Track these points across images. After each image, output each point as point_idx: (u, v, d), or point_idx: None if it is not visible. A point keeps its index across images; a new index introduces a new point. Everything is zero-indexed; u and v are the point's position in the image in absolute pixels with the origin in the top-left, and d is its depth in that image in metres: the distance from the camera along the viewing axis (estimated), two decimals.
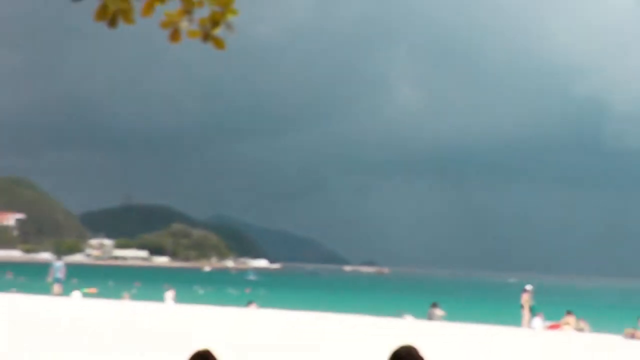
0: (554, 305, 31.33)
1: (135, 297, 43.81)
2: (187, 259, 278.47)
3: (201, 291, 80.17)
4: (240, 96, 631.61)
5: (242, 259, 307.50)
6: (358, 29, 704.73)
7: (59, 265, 35.68)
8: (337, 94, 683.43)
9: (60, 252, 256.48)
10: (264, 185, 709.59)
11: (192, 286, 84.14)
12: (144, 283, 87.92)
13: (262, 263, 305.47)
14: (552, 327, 28.65)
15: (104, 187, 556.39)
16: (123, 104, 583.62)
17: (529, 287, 30.05)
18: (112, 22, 5.05)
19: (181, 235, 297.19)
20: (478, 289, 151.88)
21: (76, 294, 35.00)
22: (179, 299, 39.21)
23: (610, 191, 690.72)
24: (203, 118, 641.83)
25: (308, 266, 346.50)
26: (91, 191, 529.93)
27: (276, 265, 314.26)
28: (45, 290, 36.61)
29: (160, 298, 40.57)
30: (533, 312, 29.18)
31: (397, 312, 33.15)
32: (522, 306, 29.41)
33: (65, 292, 36.82)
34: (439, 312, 30.98)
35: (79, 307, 27.27)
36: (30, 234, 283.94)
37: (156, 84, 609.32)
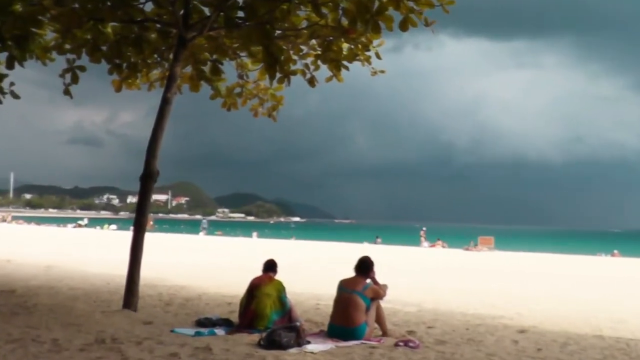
0: (432, 235, 30.63)
1: (237, 235, 42.82)
2: (263, 217, 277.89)
3: (269, 231, 78.30)
4: (285, 143, 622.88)
5: (287, 217, 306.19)
6: (337, 110, 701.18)
7: (204, 221, 35.26)
8: (330, 142, 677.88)
9: (204, 215, 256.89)
10: (297, 182, 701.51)
11: (264, 230, 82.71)
12: (242, 229, 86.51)
13: (297, 219, 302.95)
14: (431, 246, 28.10)
15: (225, 184, 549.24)
16: (233, 145, 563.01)
17: (424, 228, 30.12)
18: (228, 109, 5.89)
19: (260, 207, 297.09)
20: (400, 230, 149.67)
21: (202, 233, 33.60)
22: (260, 236, 38.45)
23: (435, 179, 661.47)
24: (270, 152, 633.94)
25: (317, 220, 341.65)
26: (219, 186, 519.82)
27: (303, 220, 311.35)
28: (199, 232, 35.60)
29: (249, 235, 39.87)
30: (428, 240, 28.86)
31: (360, 241, 32.48)
32: (420, 237, 28.92)
33: (208, 233, 36.13)
34: (379, 240, 30.66)
35: (210, 241, 26.47)
36: (191, 208, 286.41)
37: (248, 138, 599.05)
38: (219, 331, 3.95)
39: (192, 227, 68.59)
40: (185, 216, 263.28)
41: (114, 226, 38.99)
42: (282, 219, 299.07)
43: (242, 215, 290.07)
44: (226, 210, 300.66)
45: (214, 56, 5.40)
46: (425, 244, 28.21)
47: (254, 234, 37.29)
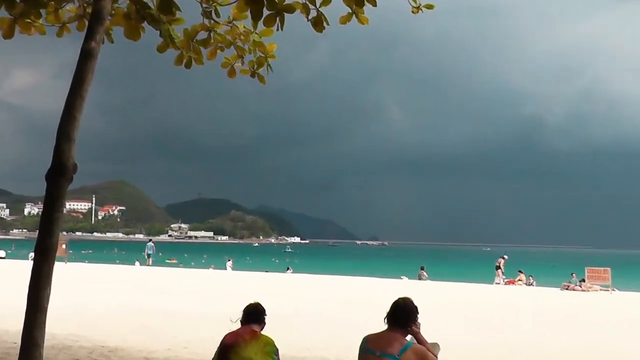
0: (509, 267, 30.37)
1: (202, 265, 43.46)
2: (241, 237, 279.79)
3: (251, 260, 80.00)
4: (279, 121, 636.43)
5: (282, 237, 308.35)
6: (359, 71, 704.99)
7: (150, 244, 35.56)
8: (347, 119, 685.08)
9: (150, 233, 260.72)
10: (296, 182, 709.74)
11: (245, 257, 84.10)
12: (210, 255, 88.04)
13: (295, 239, 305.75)
14: (508, 282, 27.78)
15: (183, 185, 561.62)
16: (198, 126, 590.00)
17: (506, 256, 29.39)
18: (188, 65, 5.43)
19: (237, 220, 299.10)
20: (456, 255, 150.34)
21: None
22: (235, 266, 38.83)
23: (547, 184, 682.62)
24: (254, 136, 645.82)
25: (328, 241, 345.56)
26: (173, 189, 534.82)
27: (306, 241, 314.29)
28: (143, 261, 36.47)
29: (221, 265, 40.27)
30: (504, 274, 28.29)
31: (396, 275, 32.53)
32: (498, 267, 28.41)
33: (156, 262, 36.72)
34: (425, 274, 30.57)
35: (158, 274, 26.81)
36: (129, 221, 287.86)
37: (221, 112, 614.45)
38: None
39: (132, 252, 71.48)
40: (119, 236, 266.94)
41: (1, 252, 39.29)
42: (272, 240, 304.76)
43: (210, 234, 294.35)
44: (184, 226, 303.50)
45: None
46: (500, 278, 27.86)
47: (228, 263, 37.78)
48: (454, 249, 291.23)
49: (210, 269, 37.42)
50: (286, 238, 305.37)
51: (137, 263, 39.66)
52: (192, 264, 60.63)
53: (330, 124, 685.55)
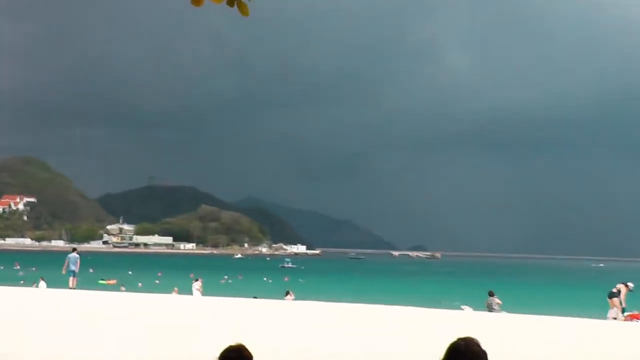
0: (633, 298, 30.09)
1: (157, 289, 43.88)
2: (216, 245, 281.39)
3: (231, 281, 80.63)
4: (271, 68, 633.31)
5: (277, 244, 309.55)
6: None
7: (73, 257, 35.50)
8: (377, 63, 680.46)
9: (75, 239, 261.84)
10: (299, 164, 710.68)
11: (221, 275, 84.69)
12: (168, 272, 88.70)
13: (299, 248, 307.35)
14: (631, 317, 27.57)
15: (124, 167, 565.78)
16: (147, 79, 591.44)
17: (631, 284, 28.82)
18: None
19: (209, 218, 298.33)
20: (541, 273, 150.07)
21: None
22: (206, 289, 39.00)
23: None
24: (233, 93, 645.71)
25: (350, 251, 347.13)
26: (110, 172, 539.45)
27: (315, 251, 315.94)
28: (61, 282, 36.70)
29: (186, 288, 40.48)
30: (623, 311, 27.91)
31: (453, 305, 32.62)
32: (613, 295, 27.96)
33: (83, 284, 36.94)
34: (497, 301, 30.47)
35: (90, 301, 27.00)
36: (42, 220, 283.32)
37: (183, 57, 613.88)
38: None
39: (46, 267, 72.20)
40: (25, 242, 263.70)
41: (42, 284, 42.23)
42: (263, 250, 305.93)
43: (167, 240, 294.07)
44: (128, 227, 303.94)
45: None
46: (614, 312, 27.54)
47: (195, 285, 38.26)
48: (542, 263, 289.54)
49: (174, 294, 37.72)
50: (285, 247, 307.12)
51: (41, 283, 39.90)
52: (140, 285, 61.19)
53: (348, 73, 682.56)
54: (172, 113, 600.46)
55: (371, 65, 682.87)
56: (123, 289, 50.53)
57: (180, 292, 39.74)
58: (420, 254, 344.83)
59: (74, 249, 37.71)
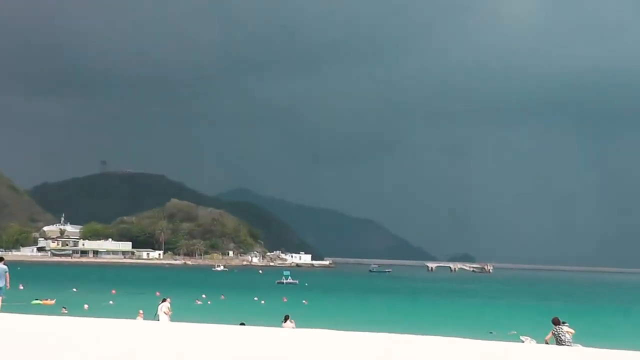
0: None
1: (108, 313, 43.91)
2: (191, 253, 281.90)
3: (210, 302, 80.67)
4: (269, 21, 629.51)
5: (274, 253, 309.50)
6: None
7: (0, 269, 35.44)
8: (407, 14, 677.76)
9: (1, 245, 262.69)
10: (304, 145, 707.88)
11: (197, 294, 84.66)
12: (125, 289, 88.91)
13: (302, 258, 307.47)
14: None
15: (68, 149, 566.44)
16: (100, 38, 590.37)
17: None
18: None
19: (183, 217, 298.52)
20: (624, 292, 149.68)
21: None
22: (177, 313, 39.02)
23: None
24: (216, 52, 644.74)
25: (371, 262, 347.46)
26: (49, 156, 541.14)
27: (324, 262, 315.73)
28: None
29: (152, 312, 40.55)
30: None
31: (509, 335, 32.71)
32: None
33: (10, 305, 36.94)
34: (566, 330, 30.61)
35: (20, 329, 26.96)
36: None
37: (149, 9, 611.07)
38: None
39: None
40: None
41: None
42: (255, 259, 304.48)
43: (125, 246, 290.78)
44: (72, 229, 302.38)
45: None
46: None
47: (162, 305, 38.51)
48: (624, 279, 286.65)
49: (138, 318, 37.74)
50: (283, 256, 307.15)
51: None
52: (87, 307, 61.31)
53: (370, 27, 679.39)
54: (134, 79, 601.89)
55: (400, 26, 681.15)
56: (65, 311, 50.60)
57: (146, 317, 39.77)
58: (466, 265, 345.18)
59: (1, 259, 37.59)
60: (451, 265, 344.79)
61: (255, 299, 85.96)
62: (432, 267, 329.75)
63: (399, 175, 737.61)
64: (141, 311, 43.08)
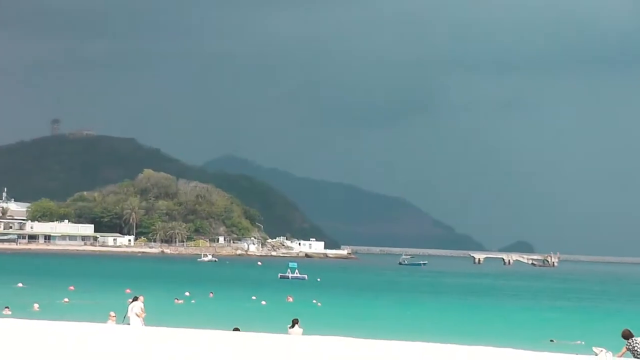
0: None
1: (65, 313, 44.09)
2: (169, 239, 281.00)
3: (195, 300, 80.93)
4: None
5: (276, 239, 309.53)
6: None
7: None
8: None
9: None
10: (312, 103, 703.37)
11: (179, 291, 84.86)
12: (85, 286, 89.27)
13: (313, 246, 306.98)
14: None
15: (7, 106, 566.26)
16: None
17: None
18: None
19: (159, 193, 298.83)
20: None
21: None
22: (152, 315, 39.27)
23: None
24: None
25: (401, 251, 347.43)
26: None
27: (341, 251, 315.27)
28: None
29: (119, 316, 40.84)
30: None
31: (576, 345, 32.88)
32: None
33: None
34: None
35: None
36: None
37: None
38: None
39: None
40: None
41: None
42: (252, 248, 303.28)
43: (86, 229, 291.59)
44: (16, 206, 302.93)
45: None
46: None
47: (134, 305, 38.98)
48: None
49: (109, 322, 37.99)
50: (289, 243, 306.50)
51: None
52: (37, 307, 61.50)
53: None
54: (92, 9, 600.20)
55: None
56: (7, 312, 50.92)
57: (118, 321, 40.04)
58: (523, 257, 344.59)
59: None
60: (504, 256, 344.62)
61: (253, 298, 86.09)
62: (479, 259, 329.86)
63: (436, 141, 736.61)
64: (112, 313, 43.27)
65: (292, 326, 38.30)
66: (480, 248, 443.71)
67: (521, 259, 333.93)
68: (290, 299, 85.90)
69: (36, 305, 62.45)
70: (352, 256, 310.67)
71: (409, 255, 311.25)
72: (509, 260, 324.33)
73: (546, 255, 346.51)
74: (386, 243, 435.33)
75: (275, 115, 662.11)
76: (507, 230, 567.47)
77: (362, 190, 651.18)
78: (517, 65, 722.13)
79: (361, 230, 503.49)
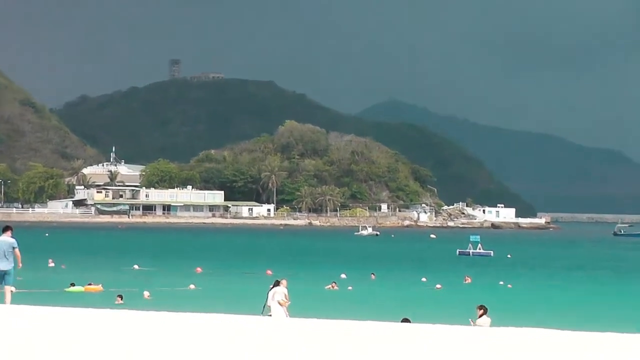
0: None
1: (187, 303, 44.53)
2: (319, 207, 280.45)
3: (351, 287, 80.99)
4: None
5: (454, 206, 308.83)
6: None
7: (5, 243, 35.52)
8: None
9: (17, 196, 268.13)
10: (496, 35, 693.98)
11: (335, 273, 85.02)
12: (214, 268, 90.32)
13: (502, 214, 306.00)
14: None
15: (115, 46, 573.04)
16: None
17: None
18: None
19: (305, 150, 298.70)
20: None
21: None
22: (298, 304, 39.50)
23: None
24: None
25: (617, 219, 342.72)
26: (85, 57, 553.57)
27: (538, 220, 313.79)
28: None
29: (255, 301, 41.14)
30: None
31: None
32: None
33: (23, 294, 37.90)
34: None
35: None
36: None
37: None
38: None
39: None
40: None
41: None
42: (423, 216, 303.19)
43: (216, 195, 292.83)
44: (129, 169, 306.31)
45: None
46: None
47: (275, 290, 39.03)
48: None
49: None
50: (470, 210, 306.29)
51: None
52: (146, 296, 62.31)
53: None
54: None
55: None
56: (120, 301, 51.76)
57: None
58: None
59: (7, 228, 37.20)
60: None
61: (424, 279, 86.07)
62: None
63: None
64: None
65: (481, 315, 37.65)
66: None
67: None
68: (469, 280, 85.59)
69: (146, 293, 62.91)
70: (552, 226, 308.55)
71: (627, 223, 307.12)
72: None
73: None
74: (596, 208, 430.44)
75: (449, 48, 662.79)
76: None
77: (564, 141, 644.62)
78: None
79: (563, 192, 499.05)
